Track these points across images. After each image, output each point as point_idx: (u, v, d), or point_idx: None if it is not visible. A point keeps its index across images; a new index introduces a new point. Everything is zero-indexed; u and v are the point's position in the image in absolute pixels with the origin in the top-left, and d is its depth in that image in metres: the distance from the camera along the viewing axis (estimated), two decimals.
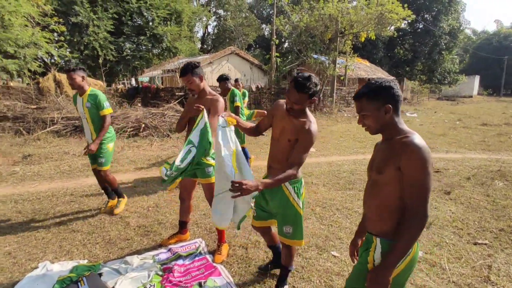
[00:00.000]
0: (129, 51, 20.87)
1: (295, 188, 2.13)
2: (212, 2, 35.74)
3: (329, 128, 10.77)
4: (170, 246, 2.94)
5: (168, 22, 22.94)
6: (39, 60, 15.15)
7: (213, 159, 2.68)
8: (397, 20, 11.78)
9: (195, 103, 2.70)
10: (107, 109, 3.47)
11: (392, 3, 11.53)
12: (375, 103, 1.39)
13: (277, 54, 14.24)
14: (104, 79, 17.96)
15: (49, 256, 2.83)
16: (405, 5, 11.93)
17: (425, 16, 29.04)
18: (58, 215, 3.70)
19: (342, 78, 15.49)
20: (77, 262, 2.67)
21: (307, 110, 2.05)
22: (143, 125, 8.54)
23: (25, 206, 4.01)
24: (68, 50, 18.71)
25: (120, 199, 3.85)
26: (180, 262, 2.71)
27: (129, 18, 20.36)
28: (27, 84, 12.94)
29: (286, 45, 33.24)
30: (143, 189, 4.65)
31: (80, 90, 3.44)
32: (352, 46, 13.67)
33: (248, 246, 3.02)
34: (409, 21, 21.12)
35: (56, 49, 14.04)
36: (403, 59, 31.11)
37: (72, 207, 3.93)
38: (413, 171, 1.29)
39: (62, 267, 2.58)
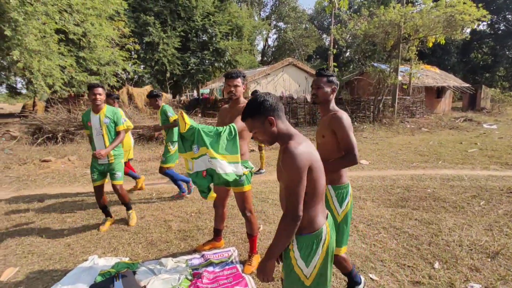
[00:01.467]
0: (193, 65, 22.35)
1: (338, 194, 2.08)
2: (273, 16, 36.59)
3: (387, 140, 10.07)
4: (203, 252, 3.02)
5: (230, 37, 24.12)
6: (117, 76, 17.13)
7: (245, 167, 2.70)
8: (469, 21, 10.60)
9: (228, 112, 2.78)
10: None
11: (464, 3, 10.43)
12: (258, 119, 1.48)
13: (335, 64, 13.90)
14: (169, 91, 19.55)
15: (98, 251, 3.13)
16: (480, 5, 10.66)
17: (508, 16, 25.70)
18: (113, 214, 4.07)
19: (405, 86, 14.44)
20: (119, 259, 2.90)
21: (335, 106, 2.18)
22: None
23: (89, 204, 4.52)
24: (141, 66, 20.87)
25: (129, 212, 3.88)
26: (210, 268, 2.76)
27: (195, 35, 21.90)
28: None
29: (347, 54, 32.34)
30: (191, 195, 4.88)
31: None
32: (417, 53, 12.68)
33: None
34: (486, 22, 18.89)
35: (131, 65, 15.69)
36: (481, 64, 27.83)
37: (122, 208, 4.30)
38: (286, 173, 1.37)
39: (107, 262, 2.83)
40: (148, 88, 14.87)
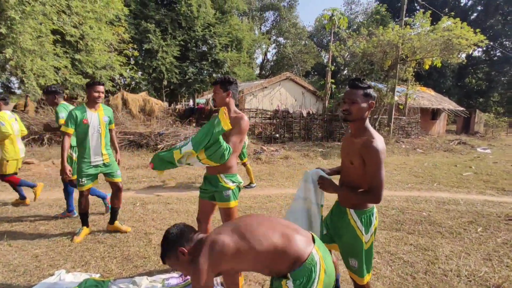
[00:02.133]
0: (191, 74, 22.32)
1: (363, 220, 1.91)
2: (273, 30, 37.08)
3: None
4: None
5: (229, 49, 24.27)
6: (113, 81, 16.99)
7: (232, 182, 2.50)
8: (466, 46, 10.71)
9: None
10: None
11: (462, 28, 10.56)
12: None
13: (332, 81, 13.93)
14: (165, 99, 19.40)
15: (68, 265, 2.87)
16: (477, 30, 10.81)
17: (505, 42, 26.31)
18: (90, 223, 3.81)
19: (401, 107, 14.47)
20: (89, 275, 2.65)
21: (370, 127, 1.88)
22: None
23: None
24: (139, 72, 20.79)
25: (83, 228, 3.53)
26: None
27: (194, 45, 21.97)
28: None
29: (345, 72, 32.69)
30: (176, 206, 4.65)
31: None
32: (414, 74, 12.76)
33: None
34: (482, 48, 19.23)
35: (128, 71, 15.57)
36: (476, 89, 28.30)
37: (106, 217, 4.04)
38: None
39: (75, 278, 2.58)
40: (143, 95, 14.71)
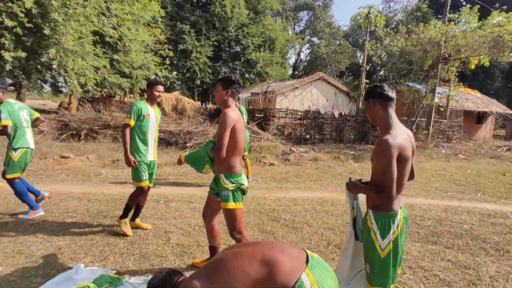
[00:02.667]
0: (224, 74, 22.51)
1: (380, 223, 1.81)
2: (307, 30, 36.52)
3: (419, 164, 9.32)
4: None
5: (262, 49, 24.22)
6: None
7: (232, 182, 2.46)
8: None
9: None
10: None
11: None
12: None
13: (367, 81, 13.35)
14: (197, 98, 19.73)
15: (87, 259, 2.89)
16: None
17: None
18: (114, 219, 3.87)
19: (442, 109, 13.50)
20: (106, 271, 2.64)
21: (392, 125, 1.85)
22: None
23: (93, 205, 4.36)
24: (174, 72, 21.38)
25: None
26: None
27: (227, 45, 22.19)
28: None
29: (381, 73, 31.43)
30: (198, 205, 4.60)
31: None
32: (457, 74, 11.83)
33: None
34: None
35: (162, 71, 16.03)
36: None
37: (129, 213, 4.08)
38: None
39: (92, 273, 2.58)
40: (176, 94, 15.04)
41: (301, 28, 37.31)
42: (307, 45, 37.06)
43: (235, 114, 2.41)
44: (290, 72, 36.62)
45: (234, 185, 2.45)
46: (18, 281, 2.49)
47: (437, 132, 13.62)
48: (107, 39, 12.40)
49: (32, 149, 3.93)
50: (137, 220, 3.67)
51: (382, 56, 17.35)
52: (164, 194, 5.10)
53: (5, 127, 3.55)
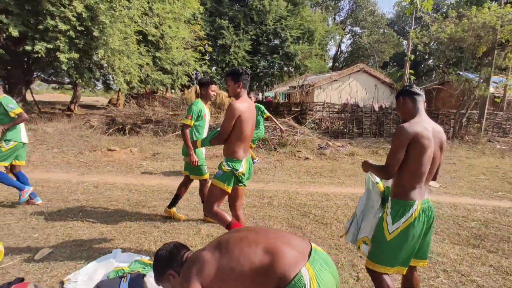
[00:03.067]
0: (262, 68, 22.57)
1: (394, 209, 1.90)
2: (348, 20, 35.15)
3: (468, 160, 8.64)
4: None
5: (300, 41, 23.83)
6: (188, 76, 18.22)
7: (228, 166, 2.67)
8: None
9: None
10: None
11: None
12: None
13: (412, 71, 12.57)
14: None
15: (125, 245, 3.14)
16: None
17: None
18: (151, 208, 4.13)
19: (498, 100, 12.29)
20: (140, 257, 2.85)
21: (415, 115, 1.97)
22: None
23: (134, 195, 4.69)
24: (213, 68, 21.89)
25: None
26: None
27: (266, 38, 22.14)
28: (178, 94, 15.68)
29: (430, 62, 29.40)
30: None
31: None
32: None
33: None
34: None
35: (201, 66, 16.51)
36: None
37: (165, 203, 4.34)
38: None
39: (128, 258, 2.80)
40: (215, 88, 15.41)
41: (342, 18, 36.02)
42: (348, 36, 35.73)
43: (243, 105, 2.58)
44: (330, 64, 35.65)
45: (229, 168, 2.65)
46: (65, 262, 2.79)
47: (492, 125, 12.46)
48: (150, 37, 13.04)
49: (24, 143, 4.03)
50: (173, 209, 3.88)
51: (430, 44, 16.19)
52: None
53: (20, 114, 3.82)
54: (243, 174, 2.72)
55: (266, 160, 7.77)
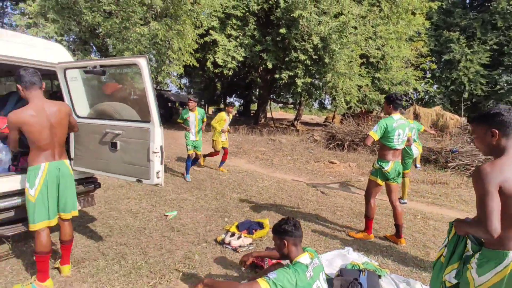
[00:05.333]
0: (504, 84, 18.23)
1: (480, 259, 1.57)
2: None
3: None
4: None
5: None
6: (406, 96, 17.32)
7: (378, 164, 3.46)
8: None
9: None
10: None
11: None
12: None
13: None
14: (463, 113, 17.06)
15: (354, 246, 3.53)
16: None
17: None
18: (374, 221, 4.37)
19: None
20: (370, 260, 3.14)
21: (505, 152, 1.54)
22: None
23: (356, 205, 5.09)
24: (435, 86, 19.75)
25: None
26: None
27: None
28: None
29: None
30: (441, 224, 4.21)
31: None
32: None
33: None
34: None
35: (423, 85, 15.35)
36: None
37: (385, 219, 4.46)
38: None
39: (358, 257, 3.16)
40: (437, 109, 13.87)
41: None
42: None
43: None
44: None
45: (378, 165, 3.58)
46: (315, 245, 3.48)
47: None
48: (371, 59, 13.52)
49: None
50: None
51: None
52: (420, 210, 5.08)
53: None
54: (389, 172, 3.52)
55: None
